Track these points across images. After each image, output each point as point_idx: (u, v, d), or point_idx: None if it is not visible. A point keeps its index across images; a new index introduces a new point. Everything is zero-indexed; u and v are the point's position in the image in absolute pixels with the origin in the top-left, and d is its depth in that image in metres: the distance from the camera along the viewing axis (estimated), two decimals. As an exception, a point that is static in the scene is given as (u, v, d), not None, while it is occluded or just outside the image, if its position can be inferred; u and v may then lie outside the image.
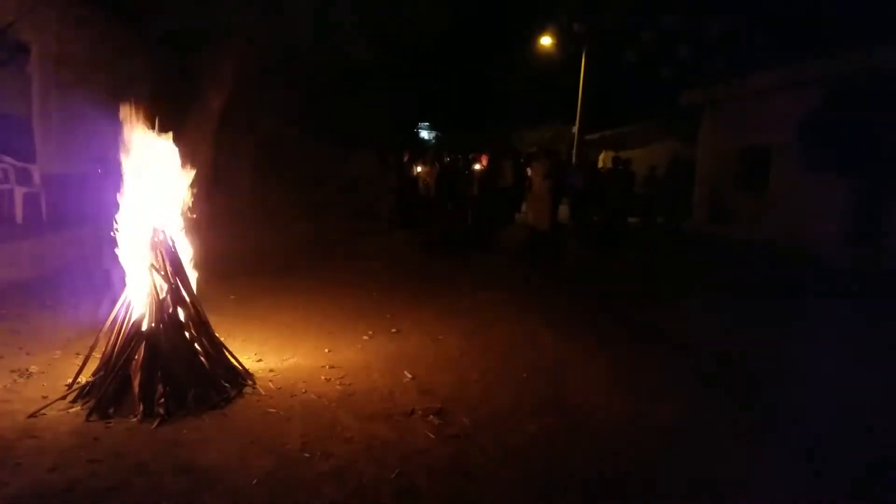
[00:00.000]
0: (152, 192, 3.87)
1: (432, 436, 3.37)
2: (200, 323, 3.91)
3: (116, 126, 3.77)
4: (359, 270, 8.25)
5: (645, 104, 19.97)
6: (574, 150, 20.53)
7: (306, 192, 13.24)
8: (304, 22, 10.93)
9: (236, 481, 2.85)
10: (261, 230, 10.04)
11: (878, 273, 8.96)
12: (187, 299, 3.85)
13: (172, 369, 3.63)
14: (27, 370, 4.15)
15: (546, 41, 22.31)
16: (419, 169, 14.70)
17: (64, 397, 3.65)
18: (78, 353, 4.50)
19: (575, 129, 20.85)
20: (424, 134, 32.05)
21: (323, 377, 4.25)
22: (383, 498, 2.76)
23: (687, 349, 5.22)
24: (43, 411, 3.49)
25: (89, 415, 3.43)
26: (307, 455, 3.11)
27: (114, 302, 3.94)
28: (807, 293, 7.40)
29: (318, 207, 12.71)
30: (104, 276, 6.07)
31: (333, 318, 5.87)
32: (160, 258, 3.75)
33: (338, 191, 13.86)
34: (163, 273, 3.74)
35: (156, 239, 3.76)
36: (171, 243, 3.85)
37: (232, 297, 6.35)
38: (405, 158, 14.59)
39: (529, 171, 12.43)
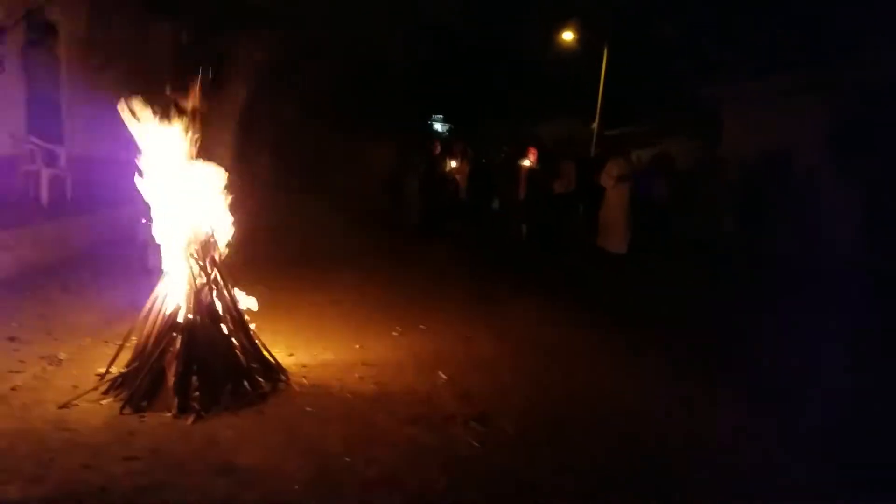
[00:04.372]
0: (185, 181, 3.73)
1: (476, 444, 3.24)
2: (237, 315, 3.79)
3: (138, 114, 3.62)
4: (382, 271, 8.08)
5: (662, 102, 19.66)
6: (593, 148, 20.19)
7: (327, 184, 12.95)
8: (330, 11, 10.81)
9: (279, 485, 2.73)
10: (282, 220, 9.91)
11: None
12: (225, 291, 3.74)
13: (209, 363, 3.52)
14: (56, 357, 4.06)
15: (567, 35, 21.97)
16: (453, 164, 11.94)
17: (96, 388, 3.55)
18: (107, 341, 4.41)
19: (595, 126, 20.51)
20: (438, 126, 31.54)
21: (357, 375, 4.13)
22: (435, 511, 2.64)
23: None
24: (75, 402, 3.39)
25: (122, 407, 3.33)
26: (349, 460, 2.99)
27: (142, 289, 3.85)
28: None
29: (340, 202, 12.29)
30: (130, 262, 6.07)
31: (359, 312, 5.75)
32: (199, 248, 3.63)
33: (359, 187, 13.05)
34: (201, 264, 3.63)
35: (196, 229, 3.64)
36: (210, 233, 3.73)
37: (260, 287, 6.24)
38: (436, 151, 11.85)
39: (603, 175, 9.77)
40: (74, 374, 3.78)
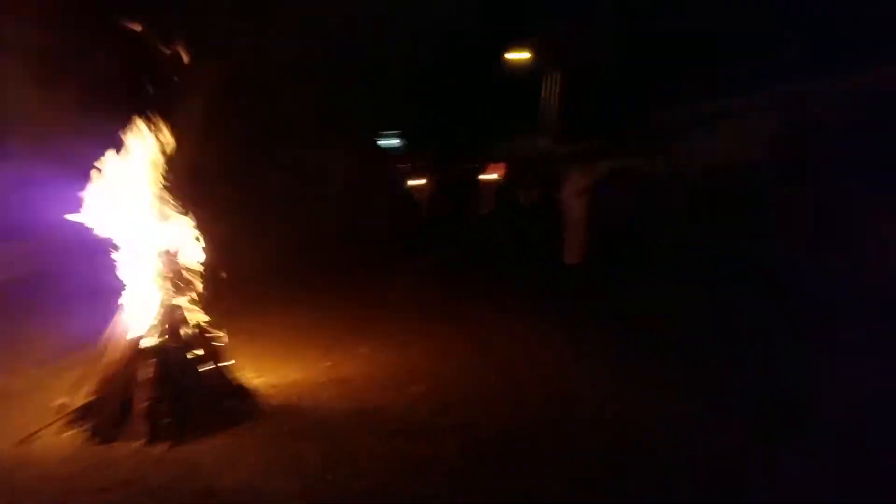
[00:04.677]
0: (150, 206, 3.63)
1: (459, 453, 3.24)
2: (207, 339, 3.69)
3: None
4: (344, 290, 7.98)
5: (617, 119, 20.36)
6: (551, 162, 20.57)
7: (285, 203, 12.62)
8: (287, 28, 10.68)
9: (266, 506, 2.67)
10: (238, 242, 9.66)
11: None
12: (193, 317, 3.63)
13: (179, 389, 3.41)
14: (6, 390, 3.83)
15: (520, 55, 22.42)
16: (420, 181, 12.14)
17: (56, 420, 3.38)
18: (60, 371, 4.21)
19: (548, 142, 21.05)
20: (391, 142, 31.29)
21: (330, 392, 4.08)
22: (426, 519, 2.63)
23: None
24: (36, 436, 3.21)
25: (89, 438, 3.18)
26: (332, 476, 2.94)
27: (91, 315, 3.71)
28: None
29: (298, 222, 11.97)
30: (79, 286, 5.80)
31: (324, 331, 5.68)
32: (168, 271, 3.53)
33: (319, 204, 12.69)
34: (170, 287, 3.52)
35: (164, 251, 3.53)
36: (175, 257, 3.63)
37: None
38: (398, 168, 12.45)
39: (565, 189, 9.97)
40: (31, 408, 3.58)
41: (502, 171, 11.45)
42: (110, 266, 3.69)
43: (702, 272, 10.12)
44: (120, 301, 3.71)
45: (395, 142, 28.69)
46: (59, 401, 3.59)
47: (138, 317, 3.53)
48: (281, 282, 7.89)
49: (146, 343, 3.45)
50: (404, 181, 11.77)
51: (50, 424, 3.31)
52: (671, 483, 2.98)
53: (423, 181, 11.82)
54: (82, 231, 3.67)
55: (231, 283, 6.76)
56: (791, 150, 11.04)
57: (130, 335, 3.49)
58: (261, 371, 4.47)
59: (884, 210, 9.46)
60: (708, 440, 3.36)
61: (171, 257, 3.61)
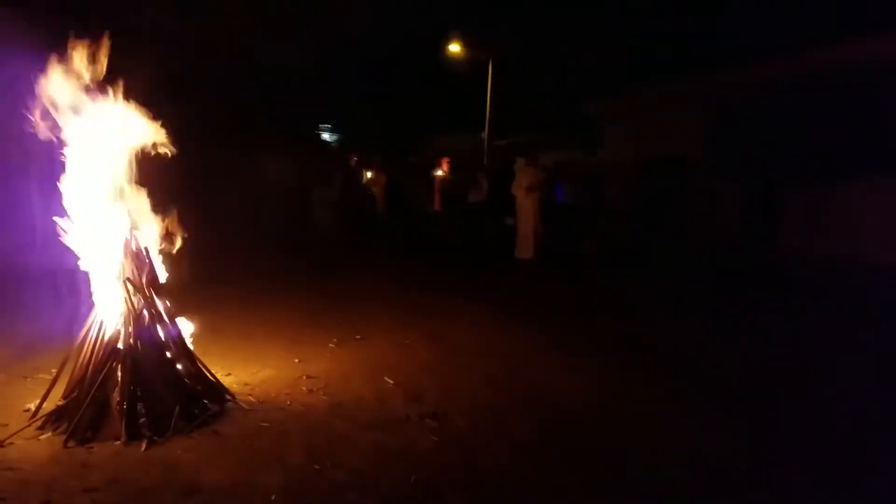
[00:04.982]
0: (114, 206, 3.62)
1: (435, 438, 3.41)
2: (179, 338, 3.72)
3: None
4: (303, 287, 8.03)
5: (549, 112, 20.91)
6: (485, 158, 20.96)
7: (224, 202, 12.39)
8: (214, 25, 10.47)
9: (252, 499, 2.76)
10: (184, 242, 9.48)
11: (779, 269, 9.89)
12: (164, 315, 3.65)
13: (154, 388, 3.44)
14: (-29, 397, 3.77)
15: (454, 48, 22.60)
16: (368, 175, 11.77)
17: (29, 424, 3.36)
18: (25, 377, 4.17)
19: (484, 135, 21.36)
20: (326, 136, 30.91)
21: (304, 388, 4.17)
22: (408, 502, 2.77)
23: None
24: (9, 440, 3.20)
25: (67, 440, 3.18)
26: (317, 467, 3.06)
27: (49, 318, 3.68)
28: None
29: (241, 219, 11.76)
30: (34, 289, 5.66)
31: (289, 328, 5.73)
32: (135, 271, 3.54)
33: (259, 203, 12.43)
34: (139, 287, 3.53)
35: (130, 250, 3.54)
36: (145, 254, 3.64)
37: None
38: (352, 163, 11.76)
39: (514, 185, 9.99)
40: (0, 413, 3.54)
41: (446, 166, 11.30)
42: (72, 263, 3.67)
43: (650, 261, 10.61)
44: (87, 301, 3.71)
45: (336, 136, 28.39)
46: (28, 405, 3.58)
47: (109, 317, 3.52)
48: (235, 282, 7.81)
49: (117, 343, 3.45)
50: (360, 176, 11.63)
51: (24, 429, 3.29)
52: (615, 455, 3.23)
53: (376, 176, 11.42)
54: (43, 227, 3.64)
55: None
56: (720, 141, 11.63)
57: (101, 336, 3.49)
58: (229, 369, 4.51)
59: (814, 198, 10.14)
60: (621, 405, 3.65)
61: (138, 253, 3.61)
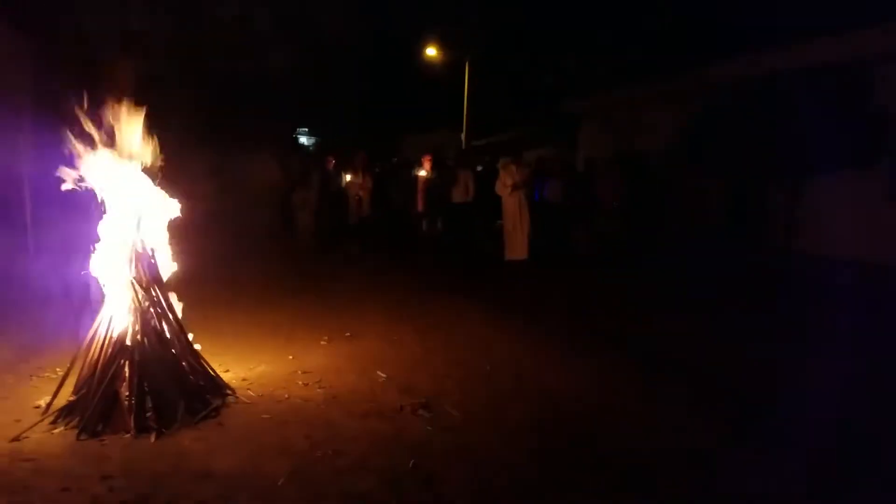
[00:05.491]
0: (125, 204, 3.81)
1: (429, 427, 3.64)
2: (183, 336, 3.90)
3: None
4: (291, 288, 8.13)
5: (528, 111, 21.19)
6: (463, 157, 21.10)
7: (212, 204, 12.34)
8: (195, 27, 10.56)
9: (262, 483, 2.96)
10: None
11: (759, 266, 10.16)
12: (169, 313, 3.84)
13: (161, 383, 3.62)
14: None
15: (431, 50, 22.80)
16: (348, 178, 11.63)
17: (42, 419, 3.52)
18: (32, 376, 4.32)
19: (462, 135, 21.63)
20: (303, 139, 30.68)
21: (300, 382, 4.37)
22: (409, 486, 2.99)
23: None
24: (25, 434, 3.36)
25: (79, 433, 3.36)
26: (319, 454, 3.27)
27: (50, 320, 3.82)
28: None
29: (224, 221, 11.64)
30: (32, 292, 5.78)
31: (281, 327, 5.90)
32: (141, 272, 3.72)
33: (240, 205, 12.30)
34: (144, 287, 3.71)
35: (136, 252, 3.71)
36: (150, 255, 3.82)
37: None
38: (330, 166, 11.67)
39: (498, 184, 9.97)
40: (11, 410, 3.70)
41: (428, 165, 11.23)
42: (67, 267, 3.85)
43: (642, 260, 10.72)
44: (93, 300, 3.88)
45: (305, 139, 28.21)
46: (39, 402, 3.74)
47: (116, 315, 3.70)
48: (223, 283, 7.92)
49: (125, 340, 3.63)
50: (339, 178, 11.72)
51: (37, 423, 3.46)
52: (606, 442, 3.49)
53: (357, 177, 11.37)
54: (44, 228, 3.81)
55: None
56: (694, 138, 11.90)
57: (110, 333, 3.66)
58: (227, 366, 4.69)
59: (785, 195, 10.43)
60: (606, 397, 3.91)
61: (146, 253, 3.79)
